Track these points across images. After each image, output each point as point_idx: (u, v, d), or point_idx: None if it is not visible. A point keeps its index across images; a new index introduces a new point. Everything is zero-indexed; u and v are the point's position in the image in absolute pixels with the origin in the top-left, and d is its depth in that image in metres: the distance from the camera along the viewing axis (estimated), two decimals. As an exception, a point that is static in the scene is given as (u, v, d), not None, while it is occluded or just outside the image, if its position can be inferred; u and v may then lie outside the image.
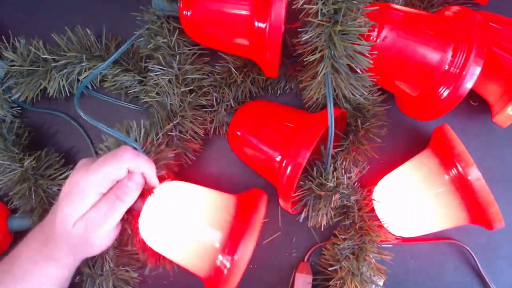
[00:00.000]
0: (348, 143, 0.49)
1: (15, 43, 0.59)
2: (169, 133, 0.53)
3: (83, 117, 0.47)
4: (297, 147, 0.44)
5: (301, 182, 0.47)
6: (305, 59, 0.46)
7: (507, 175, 0.58)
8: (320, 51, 0.45)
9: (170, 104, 0.53)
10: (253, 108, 0.54)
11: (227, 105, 0.56)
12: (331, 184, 0.45)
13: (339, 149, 0.49)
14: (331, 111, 0.45)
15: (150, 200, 0.46)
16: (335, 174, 0.46)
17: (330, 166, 0.46)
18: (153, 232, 0.46)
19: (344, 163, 0.48)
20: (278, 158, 0.47)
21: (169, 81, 0.53)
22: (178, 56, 0.54)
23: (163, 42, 0.53)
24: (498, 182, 0.58)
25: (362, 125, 0.50)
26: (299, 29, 0.46)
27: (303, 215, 0.48)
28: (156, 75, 0.54)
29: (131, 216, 0.47)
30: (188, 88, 0.53)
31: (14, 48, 0.59)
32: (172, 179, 0.51)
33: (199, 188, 0.50)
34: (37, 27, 0.63)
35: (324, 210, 0.47)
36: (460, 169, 0.47)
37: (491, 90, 0.54)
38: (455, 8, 0.50)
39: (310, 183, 0.47)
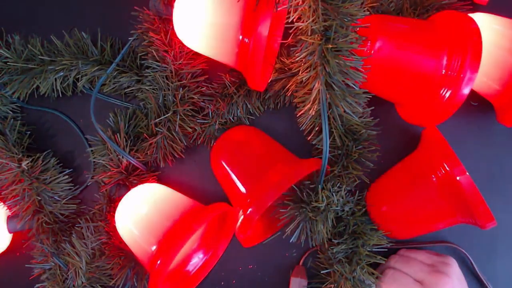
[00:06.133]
0: (340, 167, 0.50)
1: (9, 40, 0.60)
2: (157, 129, 0.55)
3: (98, 130, 0.53)
4: (262, 194, 0.45)
5: (296, 212, 0.49)
6: (299, 77, 0.46)
7: (508, 175, 0.59)
8: (314, 68, 0.45)
9: (164, 98, 0.55)
10: (239, 137, 0.55)
11: (224, 120, 0.58)
12: (322, 205, 0.46)
13: (331, 174, 0.50)
14: (326, 128, 0.45)
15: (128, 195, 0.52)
16: (324, 193, 0.47)
17: (319, 186, 0.47)
18: (126, 222, 0.51)
19: (333, 183, 0.49)
20: (244, 192, 0.49)
21: (166, 77, 0.54)
22: (172, 52, 0.55)
23: (156, 39, 0.55)
24: (499, 182, 0.58)
25: (355, 149, 0.50)
26: (291, 48, 0.46)
27: (302, 238, 0.50)
28: (153, 71, 0.55)
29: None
30: (181, 83, 0.55)
31: (8, 44, 0.60)
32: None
33: (169, 190, 0.54)
34: (34, 26, 0.64)
35: (325, 231, 0.48)
36: (448, 169, 0.47)
37: (494, 91, 0.54)
38: (449, 12, 0.49)
39: (304, 209, 0.48)
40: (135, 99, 0.61)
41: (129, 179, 0.57)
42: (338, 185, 0.50)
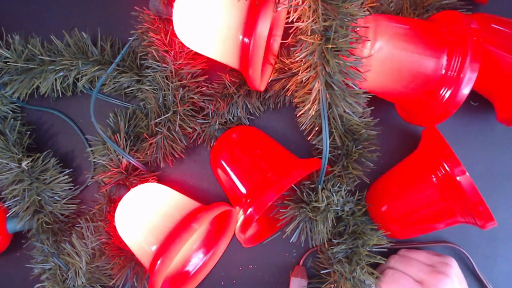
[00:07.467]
0: (340, 167, 0.50)
1: (9, 40, 0.60)
2: (157, 129, 0.55)
3: (97, 130, 0.53)
4: (262, 194, 0.45)
5: (296, 212, 0.49)
6: (299, 77, 0.46)
7: (508, 175, 0.59)
8: (314, 68, 0.45)
9: (164, 98, 0.55)
10: (239, 137, 0.55)
11: (224, 120, 0.58)
12: (322, 205, 0.46)
13: (331, 174, 0.50)
14: (326, 128, 0.45)
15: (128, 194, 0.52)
16: (324, 193, 0.47)
17: (319, 186, 0.47)
18: (126, 222, 0.51)
19: (333, 183, 0.49)
20: (244, 192, 0.50)
21: (166, 77, 0.54)
22: (172, 52, 0.55)
23: (156, 38, 0.55)
24: (499, 182, 0.58)
25: (355, 149, 0.50)
26: (291, 48, 0.46)
27: (302, 238, 0.50)
28: (153, 71, 0.55)
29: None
30: (181, 83, 0.55)
31: (8, 44, 0.60)
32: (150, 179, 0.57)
33: (169, 190, 0.54)
34: (34, 26, 0.64)
35: (325, 231, 0.48)
36: (448, 169, 0.47)
37: (494, 91, 0.54)
38: (449, 13, 0.49)
39: (304, 209, 0.48)
40: (135, 99, 0.61)
41: (129, 179, 0.57)
42: (338, 185, 0.50)
